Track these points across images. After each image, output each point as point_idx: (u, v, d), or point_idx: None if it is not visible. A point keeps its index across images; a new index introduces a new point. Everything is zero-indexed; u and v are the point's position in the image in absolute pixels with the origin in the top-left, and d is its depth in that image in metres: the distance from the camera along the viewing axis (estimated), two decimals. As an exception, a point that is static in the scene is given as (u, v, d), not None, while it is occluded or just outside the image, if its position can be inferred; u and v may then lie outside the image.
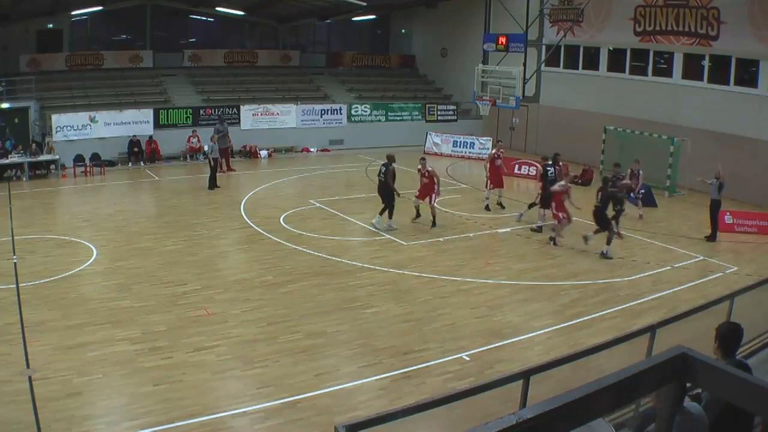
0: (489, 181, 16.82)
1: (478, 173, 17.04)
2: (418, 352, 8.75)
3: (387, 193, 14.52)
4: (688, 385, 3.40)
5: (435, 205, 15.03)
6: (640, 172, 16.79)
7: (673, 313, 8.29)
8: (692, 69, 20.48)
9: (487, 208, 16.72)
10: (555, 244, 13.94)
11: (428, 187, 14.97)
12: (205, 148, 20.49)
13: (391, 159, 14.64)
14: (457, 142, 25.67)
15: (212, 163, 18.68)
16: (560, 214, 13.92)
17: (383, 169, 14.59)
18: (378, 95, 28.95)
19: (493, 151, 17.57)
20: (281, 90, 27.45)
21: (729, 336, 3.93)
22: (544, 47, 25.18)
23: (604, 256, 13.14)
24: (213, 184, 18.61)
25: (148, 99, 24.27)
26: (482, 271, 12.23)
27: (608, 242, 13.19)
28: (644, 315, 10.14)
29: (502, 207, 16.82)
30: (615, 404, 1.95)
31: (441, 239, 14.17)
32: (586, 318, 10.13)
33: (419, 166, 15.25)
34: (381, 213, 14.64)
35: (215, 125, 21.23)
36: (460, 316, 10.04)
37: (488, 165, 16.77)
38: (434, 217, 15.04)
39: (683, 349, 1.97)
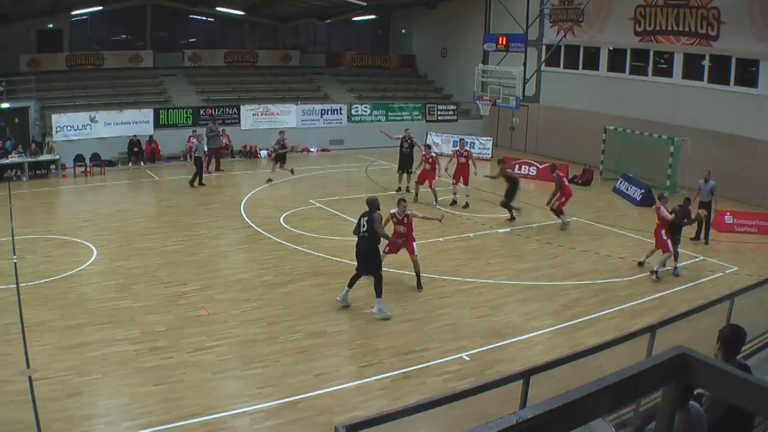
0: (452, 178, 17.12)
1: (477, 173, 17.01)
2: (418, 352, 8.74)
3: (373, 254, 10.06)
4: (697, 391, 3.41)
5: (434, 188, 16.49)
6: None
7: (673, 313, 8.31)
8: (692, 69, 20.48)
9: (454, 203, 17.03)
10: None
11: (430, 172, 16.39)
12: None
13: (373, 205, 10.02)
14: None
15: (196, 161, 18.97)
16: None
17: (366, 219, 9.92)
18: (378, 95, 28.95)
19: (457, 148, 18.34)
20: (281, 90, 27.44)
21: (731, 339, 3.91)
22: (544, 47, 25.17)
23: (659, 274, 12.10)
24: (198, 181, 18.80)
25: (148, 99, 24.28)
26: (482, 271, 12.22)
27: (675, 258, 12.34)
28: (644, 315, 10.14)
29: (467, 206, 16.77)
30: (615, 404, 1.95)
31: (441, 239, 14.16)
32: (586, 318, 10.12)
33: (423, 152, 16.76)
34: (377, 292, 9.96)
35: (208, 124, 21.36)
36: (460, 316, 10.04)
37: (454, 161, 17.30)
38: (436, 195, 16.59)
39: (683, 349, 1.97)
